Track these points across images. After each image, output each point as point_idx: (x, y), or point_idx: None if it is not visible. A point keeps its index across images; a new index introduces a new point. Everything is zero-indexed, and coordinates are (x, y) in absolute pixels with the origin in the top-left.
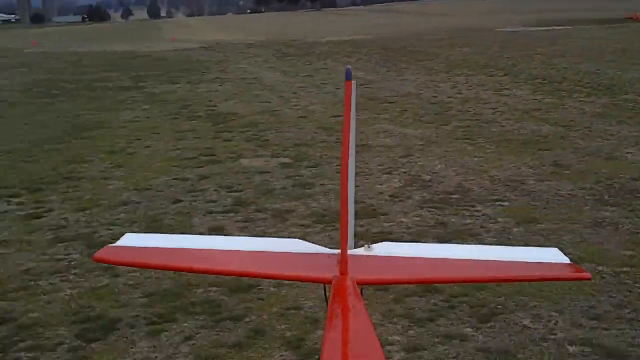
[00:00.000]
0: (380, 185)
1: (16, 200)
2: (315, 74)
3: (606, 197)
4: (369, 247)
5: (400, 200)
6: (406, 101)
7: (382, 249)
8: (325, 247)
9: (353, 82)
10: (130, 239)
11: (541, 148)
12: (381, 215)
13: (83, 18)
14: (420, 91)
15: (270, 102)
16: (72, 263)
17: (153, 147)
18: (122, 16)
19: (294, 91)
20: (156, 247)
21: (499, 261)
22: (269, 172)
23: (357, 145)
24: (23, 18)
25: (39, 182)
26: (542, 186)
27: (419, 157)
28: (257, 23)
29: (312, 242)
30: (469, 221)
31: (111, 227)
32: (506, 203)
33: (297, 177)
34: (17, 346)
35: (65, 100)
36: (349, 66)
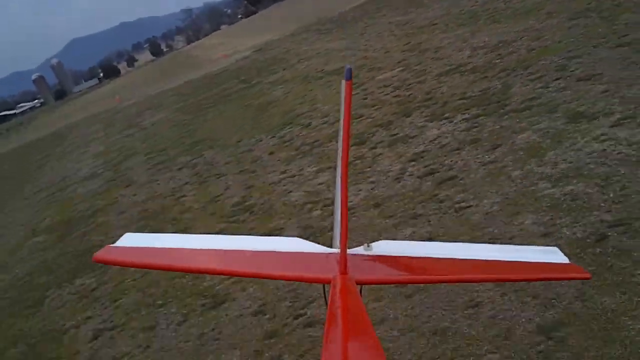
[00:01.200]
0: None
1: None
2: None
3: None
4: (368, 246)
5: None
6: None
7: (382, 248)
8: (325, 246)
9: (350, 81)
10: (130, 239)
11: None
12: None
13: (99, 79)
14: None
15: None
16: None
17: None
18: (127, 65)
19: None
20: (156, 247)
21: (498, 261)
22: None
23: None
24: (47, 99)
25: None
26: None
27: None
28: (269, 20)
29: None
30: None
31: None
32: None
33: None
34: None
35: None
36: (349, 66)
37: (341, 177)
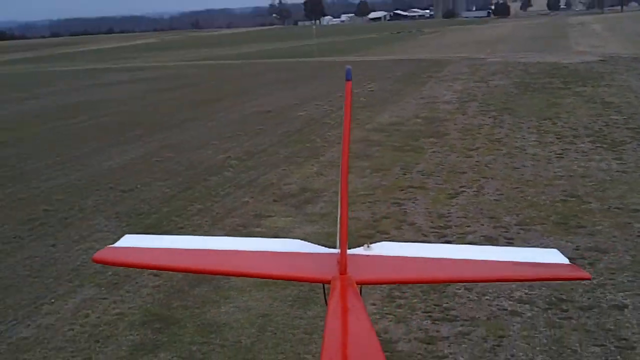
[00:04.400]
0: None
1: None
2: None
3: None
4: (368, 247)
5: None
6: None
7: (381, 248)
8: (325, 247)
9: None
10: (130, 240)
11: None
12: None
13: (488, 13)
14: None
15: None
16: None
17: None
18: (520, 8)
19: None
20: (155, 248)
21: (498, 261)
22: None
23: None
24: (437, 14)
25: None
26: None
27: None
28: None
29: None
30: None
31: None
32: None
33: None
34: None
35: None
36: (349, 66)
37: (342, 177)
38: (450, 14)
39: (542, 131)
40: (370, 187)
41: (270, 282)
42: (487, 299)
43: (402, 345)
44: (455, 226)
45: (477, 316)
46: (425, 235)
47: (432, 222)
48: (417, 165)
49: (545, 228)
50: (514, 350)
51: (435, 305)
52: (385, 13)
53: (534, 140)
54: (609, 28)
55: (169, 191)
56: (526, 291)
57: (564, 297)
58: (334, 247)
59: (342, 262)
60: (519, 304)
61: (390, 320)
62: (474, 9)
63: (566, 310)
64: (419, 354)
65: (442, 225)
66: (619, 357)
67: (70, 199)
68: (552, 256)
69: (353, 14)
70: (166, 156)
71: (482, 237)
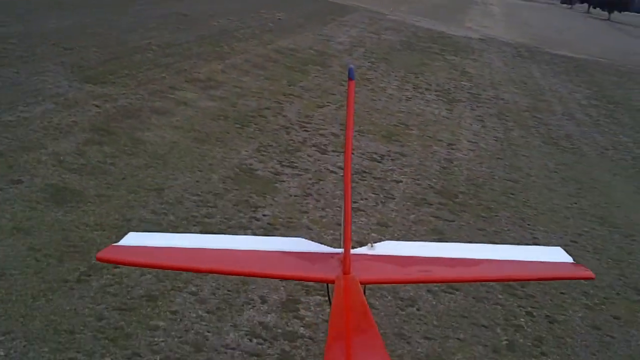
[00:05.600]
0: None
1: None
2: None
3: None
4: (371, 246)
5: None
6: None
7: (385, 248)
8: (328, 246)
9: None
10: (133, 238)
11: None
12: None
13: None
14: None
15: None
16: None
17: None
18: None
19: None
20: (159, 247)
21: (502, 260)
22: None
23: None
24: None
25: None
26: None
27: None
28: None
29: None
30: None
31: None
32: None
33: None
34: None
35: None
36: (352, 65)
37: (345, 177)
38: None
39: (405, 80)
40: (261, 88)
41: (178, 126)
42: (320, 162)
43: (260, 173)
44: (314, 123)
45: (309, 168)
46: (291, 124)
47: (299, 118)
48: (301, 82)
49: (375, 137)
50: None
51: (286, 159)
52: None
53: (395, 86)
54: (507, 13)
55: (101, 57)
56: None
57: (366, 170)
58: (335, 243)
59: (346, 261)
60: (339, 169)
61: (256, 161)
62: None
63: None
64: (269, 178)
65: (305, 121)
66: None
67: (21, 43)
68: (556, 254)
69: None
70: (97, 30)
71: (331, 134)
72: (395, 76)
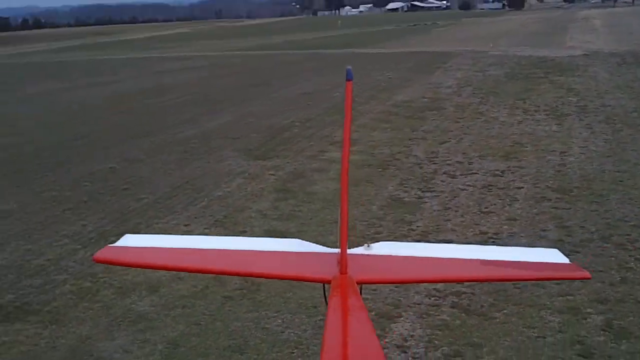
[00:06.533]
0: None
1: None
2: None
3: None
4: (368, 246)
5: None
6: None
7: (382, 248)
8: (325, 246)
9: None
10: (130, 240)
11: None
12: None
13: (503, 5)
14: None
15: None
16: None
17: None
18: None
19: None
20: (155, 248)
21: (498, 261)
22: None
23: None
24: (453, 5)
25: None
26: None
27: None
28: None
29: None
30: None
31: None
32: None
33: None
34: None
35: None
36: (349, 67)
37: (342, 177)
38: (466, 6)
39: (514, 107)
40: (390, 137)
41: (334, 178)
42: (452, 184)
43: (407, 199)
44: (441, 157)
45: (444, 190)
46: (421, 161)
47: (427, 155)
48: (421, 127)
49: (494, 159)
50: (461, 199)
51: (424, 187)
52: (402, 4)
53: (506, 113)
54: (608, 24)
55: (261, 139)
56: None
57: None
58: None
59: (343, 261)
60: (469, 187)
61: (402, 192)
62: (490, 0)
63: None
64: (415, 201)
65: (432, 157)
66: None
67: (201, 142)
68: (553, 256)
69: (371, 5)
70: (249, 121)
71: (456, 162)
72: (505, 105)
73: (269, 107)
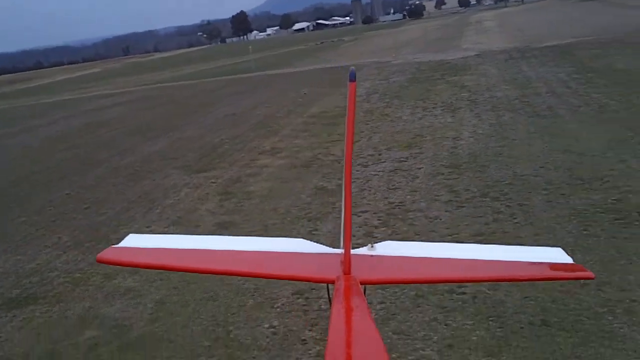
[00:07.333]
0: None
1: None
2: None
3: None
4: (372, 247)
5: None
6: None
7: (385, 248)
8: (329, 246)
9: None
10: (133, 240)
11: None
12: None
13: (404, 15)
14: None
15: None
16: None
17: None
18: (435, 6)
19: None
20: (159, 248)
21: (502, 261)
22: None
23: None
24: (356, 20)
25: None
26: None
27: None
28: None
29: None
30: None
31: None
32: None
33: None
34: None
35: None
36: (353, 67)
37: (345, 178)
38: (368, 20)
39: (415, 107)
40: (310, 143)
41: (267, 179)
42: (365, 171)
43: (329, 188)
44: (354, 153)
45: (359, 177)
46: (339, 158)
47: (343, 153)
48: (337, 131)
49: (399, 149)
50: (373, 183)
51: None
52: (308, 23)
53: (408, 113)
54: (500, 24)
55: (197, 157)
56: None
57: None
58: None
59: (346, 262)
60: (379, 173)
61: (325, 183)
62: (391, 11)
63: None
64: (336, 190)
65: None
66: None
67: (144, 165)
68: (556, 255)
69: (278, 27)
70: (183, 143)
71: (368, 155)
72: (407, 106)
73: (199, 130)
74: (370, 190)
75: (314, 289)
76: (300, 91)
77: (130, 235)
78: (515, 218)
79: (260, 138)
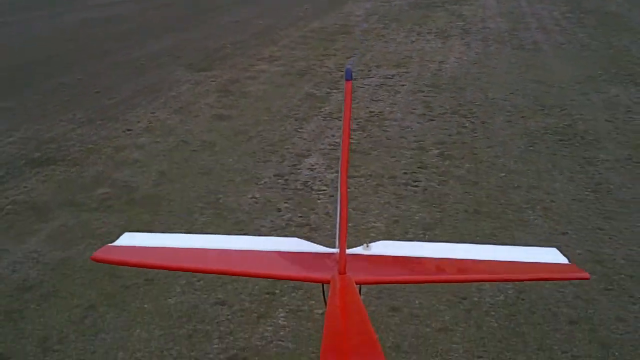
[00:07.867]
0: None
1: None
2: None
3: None
4: (367, 246)
5: None
6: None
7: (381, 248)
8: (324, 246)
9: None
10: (129, 239)
11: None
12: None
13: None
14: None
15: None
16: None
17: None
18: None
19: None
20: (155, 247)
21: (497, 261)
22: None
23: None
24: None
25: None
26: None
27: None
28: None
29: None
30: None
31: None
32: None
33: None
34: None
35: None
36: (349, 66)
37: (341, 177)
38: None
39: (411, 31)
40: (306, 54)
41: (264, 82)
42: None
43: (318, 94)
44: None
45: None
46: (332, 70)
47: (336, 66)
48: (332, 46)
49: (388, 67)
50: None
51: (333, 86)
52: None
53: (403, 36)
54: None
55: (200, 57)
56: None
57: None
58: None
59: (341, 262)
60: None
61: (315, 90)
62: None
63: None
64: (324, 96)
65: (340, 68)
66: None
67: (150, 60)
68: (551, 255)
69: None
70: (188, 44)
71: (358, 70)
72: (404, 29)
73: (203, 33)
74: (354, 100)
75: (292, 173)
76: (303, 7)
77: (126, 233)
78: (475, 132)
79: (260, 46)
